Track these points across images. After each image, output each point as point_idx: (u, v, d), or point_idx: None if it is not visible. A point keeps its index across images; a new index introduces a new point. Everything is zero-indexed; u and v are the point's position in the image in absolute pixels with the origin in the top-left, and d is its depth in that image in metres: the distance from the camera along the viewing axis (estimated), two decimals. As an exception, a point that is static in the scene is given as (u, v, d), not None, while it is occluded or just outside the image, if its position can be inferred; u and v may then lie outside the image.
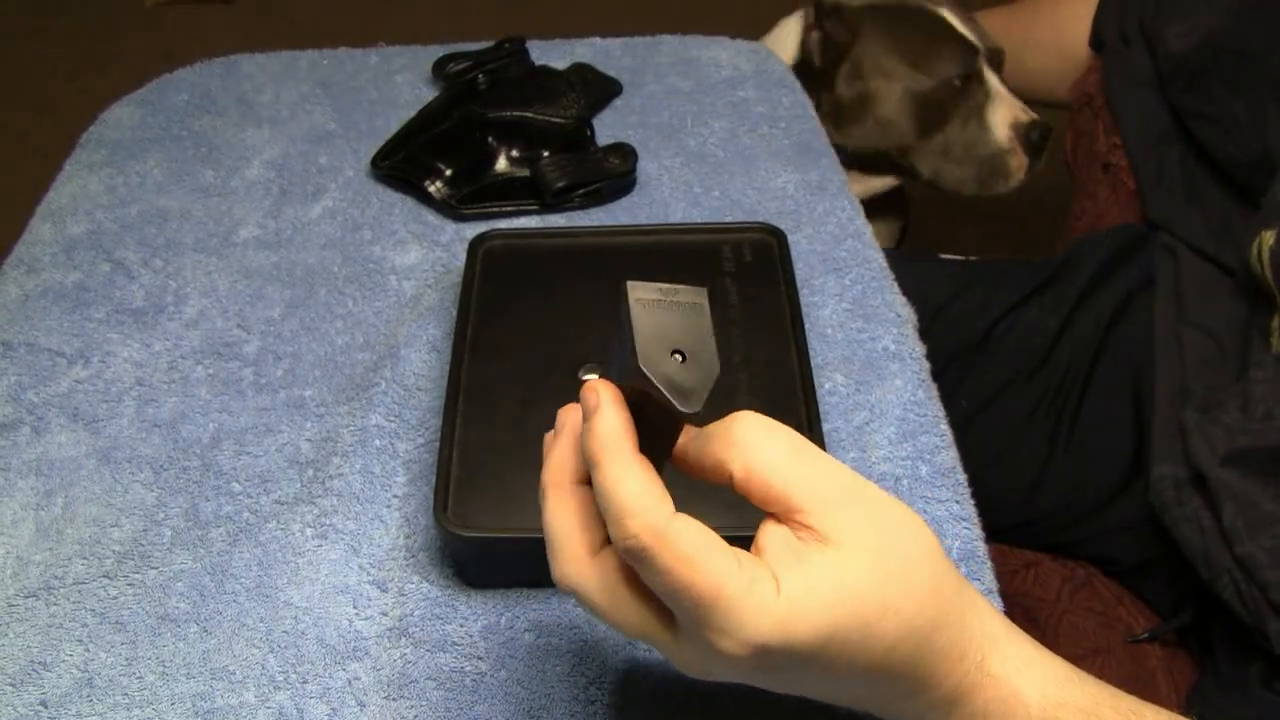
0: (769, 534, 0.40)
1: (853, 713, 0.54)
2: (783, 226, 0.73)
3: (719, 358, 0.40)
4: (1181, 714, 0.43)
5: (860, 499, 0.40)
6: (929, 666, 0.40)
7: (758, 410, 0.61)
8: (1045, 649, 0.43)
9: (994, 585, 0.58)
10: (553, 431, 0.45)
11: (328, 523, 0.62)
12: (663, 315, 0.40)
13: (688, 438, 0.42)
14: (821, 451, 0.41)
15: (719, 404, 0.61)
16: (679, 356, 0.39)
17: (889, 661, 0.39)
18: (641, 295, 0.40)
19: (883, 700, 0.42)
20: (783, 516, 0.40)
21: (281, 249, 0.79)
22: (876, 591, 0.38)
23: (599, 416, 0.39)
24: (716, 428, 0.41)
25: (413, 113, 0.89)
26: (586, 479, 0.41)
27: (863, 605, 0.38)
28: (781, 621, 0.37)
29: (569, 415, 0.44)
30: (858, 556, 0.38)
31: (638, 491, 0.38)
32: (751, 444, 0.40)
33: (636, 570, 0.39)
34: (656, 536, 0.37)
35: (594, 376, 0.62)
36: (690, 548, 0.37)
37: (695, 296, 0.41)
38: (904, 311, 0.73)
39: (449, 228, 0.81)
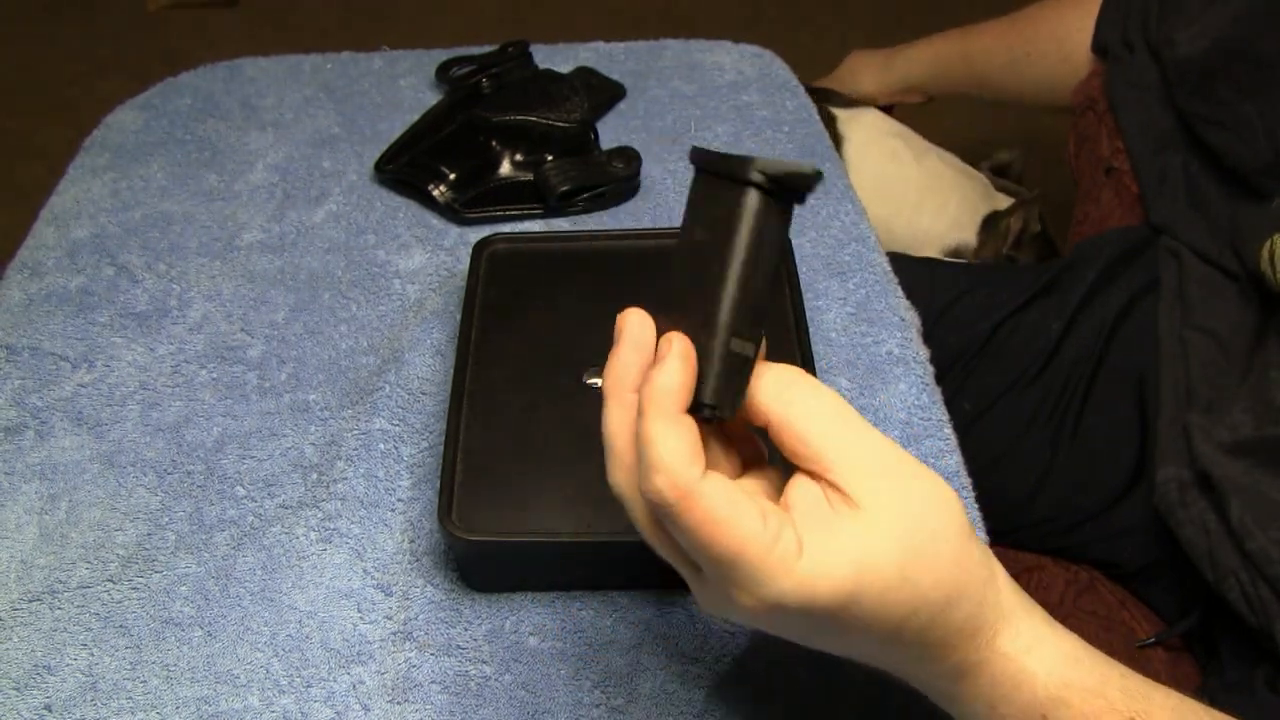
0: (799, 490, 0.40)
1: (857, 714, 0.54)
2: (786, 230, 0.73)
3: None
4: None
5: (893, 469, 0.40)
6: (940, 638, 0.41)
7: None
8: (1060, 626, 0.43)
9: (998, 589, 0.58)
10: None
11: (332, 527, 0.62)
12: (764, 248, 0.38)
13: None
14: (864, 420, 0.41)
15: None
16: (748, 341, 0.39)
17: (903, 630, 0.40)
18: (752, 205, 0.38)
19: (892, 662, 0.43)
20: (815, 474, 0.40)
21: (285, 253, 0.79)
22: (896, 562, 0.38)
23: (662, 369, 0.39)
24: (764, 372, 0.41)
25: (416, 116, 0.89)
26: None
27: (881, 574, 0.38)
28: (799, 584, 0.38)
29: (627, 320, 0.43)
30: (882, 526, 0.39)
31: (671, 449, 0.38)
32: (799, 397, 0.40)
33: (663, 522, 0.40)
34: (681, 496, 0.38)
35: (598, 381, 0.62)
36: (713, 509, 0.37)
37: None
38: (908, 315, 0.73)
39: (453, 231, 0.81)
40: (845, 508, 0.39)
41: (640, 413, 0.39)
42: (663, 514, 0.39)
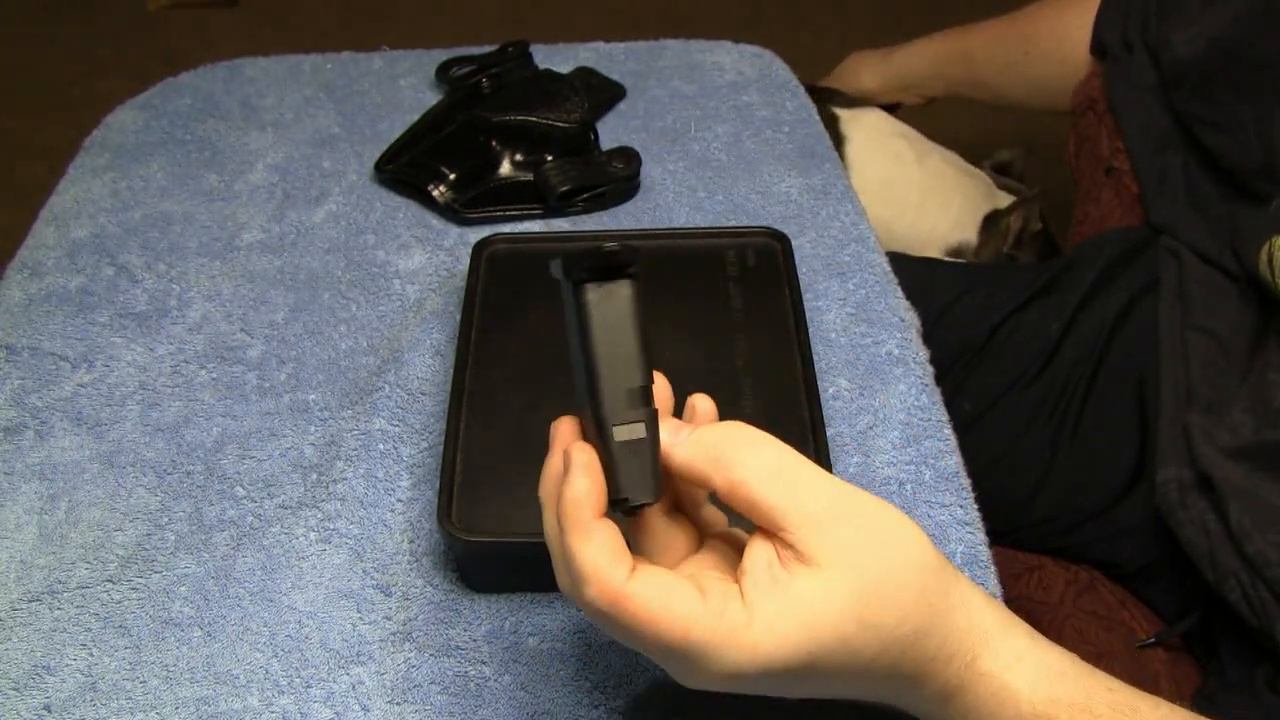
0: (753, 556, 0.40)
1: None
2: (786, 231, 0.73)
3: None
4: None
5: (845, 513, 0.40)
6: (914, 670, 0.41)
7: (761, 414, 0.61)
8: (1043, 640, 0.43)
9: (998, 590, 0.58)
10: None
11: (331, 527, 0.62)
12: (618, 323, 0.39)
13: (673, 438, 0.42)
14: (807, 464, 0.41)
15: (721, 409, 0.61)
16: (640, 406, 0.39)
17: (873, 669, 0.40)
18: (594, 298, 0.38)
19: (873, 697, 0.43)
20: (766, 531, 0.40)
21: (285, 253, 0.79)
22: (854, 609, 0.38)
23: (566, 484, 0.40)
24: (701, 437, 0.41)
25: (416, 116, 0.89)
26: None
27: (841, 624, 0.38)
28: (754, 652, 0.38)
29: (558, 431, 0.44)
30: (837, 576, 0.39)
31: (591, 559, 0.39)
32: (734, 460, 0.40)
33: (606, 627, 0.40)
34: (611, 601, 0.38)
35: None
36: (646, 603, 0.38)
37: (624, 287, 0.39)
38: (907, 316, 0.73)
39: (453, 232, 0.81)
40: (798, 565, 0.39)
41: (560, 528, 0.40)
42: (603, 621, 0.39)
